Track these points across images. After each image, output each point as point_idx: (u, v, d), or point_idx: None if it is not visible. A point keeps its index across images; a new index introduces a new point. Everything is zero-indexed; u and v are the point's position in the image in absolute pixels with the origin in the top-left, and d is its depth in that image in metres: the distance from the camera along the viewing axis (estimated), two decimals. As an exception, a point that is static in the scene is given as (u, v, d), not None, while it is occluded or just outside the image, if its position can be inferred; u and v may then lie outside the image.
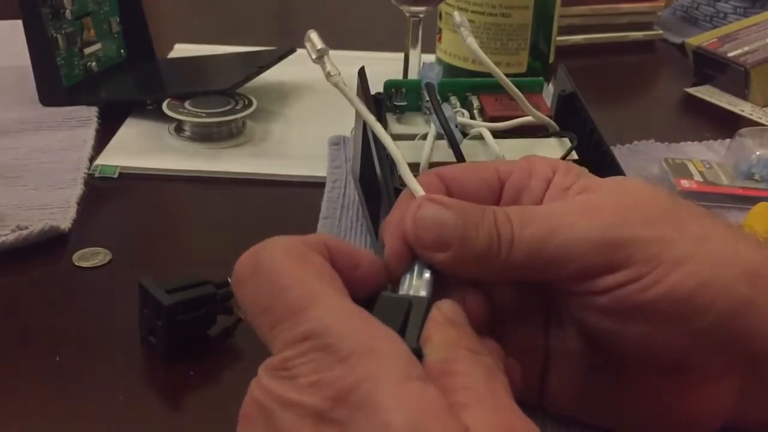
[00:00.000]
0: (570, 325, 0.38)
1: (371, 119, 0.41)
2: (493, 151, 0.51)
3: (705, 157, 0.68)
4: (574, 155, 0.52)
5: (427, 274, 0.34)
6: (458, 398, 0.28)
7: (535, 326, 0.38)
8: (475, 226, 0.34)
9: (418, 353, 0.30)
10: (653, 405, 0.37)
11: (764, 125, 0.76)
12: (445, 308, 0.33)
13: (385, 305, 0.32)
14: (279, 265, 0.32)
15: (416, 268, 0.35)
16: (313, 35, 0.41)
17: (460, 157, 0.50)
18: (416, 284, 0.34)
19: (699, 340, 0.34)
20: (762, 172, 0.63)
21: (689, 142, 0.71)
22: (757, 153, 0.64)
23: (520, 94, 0.53)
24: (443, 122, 0.51)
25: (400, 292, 0.34)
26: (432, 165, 0.50)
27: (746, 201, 0.61)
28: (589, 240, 0.34)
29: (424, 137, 0.52)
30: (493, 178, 0.38)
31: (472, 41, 0.55)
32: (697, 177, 0.64)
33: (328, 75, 0.41)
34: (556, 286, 0.36)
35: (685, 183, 0.63)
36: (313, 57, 0.41)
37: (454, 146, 0.50)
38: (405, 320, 0.32)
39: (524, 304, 0.38)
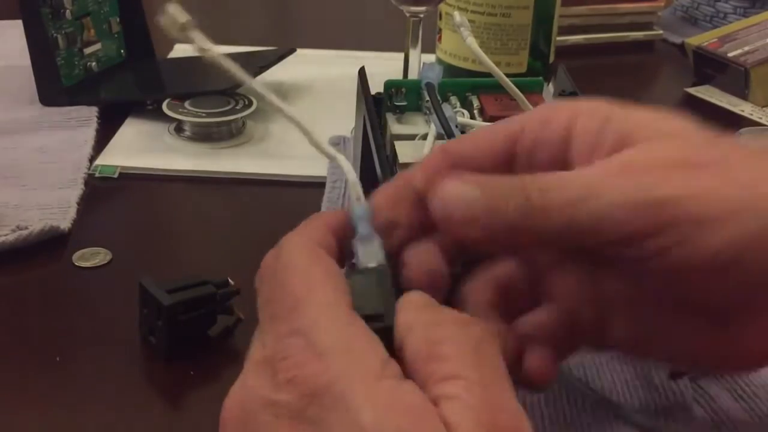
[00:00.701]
0: (619, 273, 0.36)
1: (262, 89, 0.36)
2: (493, 151, 0.51)
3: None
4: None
5: (376, 240, 0.34)
6: (446, 389, 0.28)
7: (582, 277, 0.36)
8: (503, 198, 0.32)
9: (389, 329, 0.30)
10: (707, 342, 0.36)
11: (764, 125, 0.76)
12: (416, 298, 0.32)
13: (360, 284, 0.32)
14: (291, 261, 0.32)
15: (364, 237, 0.34)
16: (172, 8, 0.34)
17: (460, 157, 0.50)
18: (369, 251, 0.34)
19: (752, 288, 0.33)
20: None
21: (689, 142, 0.71)
22: None
23: (520, 94, 0.53)
24: (443, 122, 0.51)
25: (362, 261, 0.33)
26: (432, 165, 0.50)
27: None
28: (629, 202, 0.32)
29: (424, 137, 0.52)
30: (501, 146, 0.36)
31: (472, 41, 0.55)
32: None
33: (201, 50, 0.34)
34: (598, 251, 0.33)
35: None
36: (174, 33, 0.34)
37: (454, 146, 0.50)
38: (380, 294, 0.32)
39: (568, 257, 0.36)
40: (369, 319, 0.30)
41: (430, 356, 0.29)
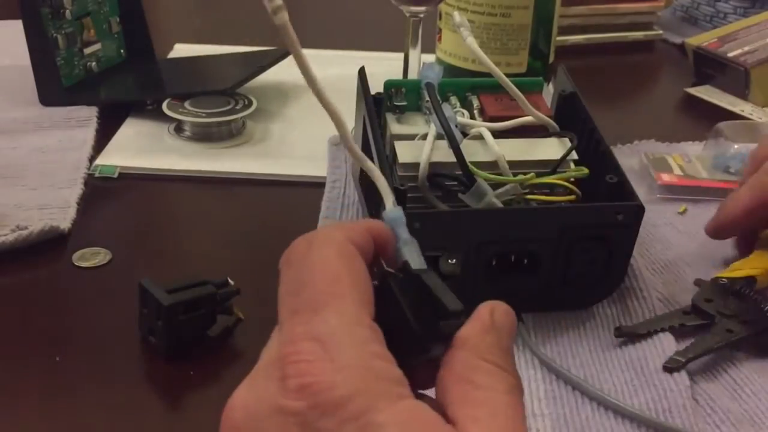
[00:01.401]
0: None
1: (311, 75, 0.33)
2: (493, 151, 0.51)
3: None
4: (574, 155, 0.52)
5: (416, 243, 0.34)
6: (473, 412, 0.28)
7: None
8: None
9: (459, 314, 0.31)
10: None
11: (747, 118, 0.77)
12: (499, 311, 0.32)
13: (436, 283, 0.32)
14: (325, 258, 0.32)
15: (409, 241, 0.34)
16: None
17: (460, 157, 0.50)
18: (415, 254, 0.34)
19: None
20: (737, 166, 0.64)
21: (689, 142, 0.71)
22: (735, 147, 0.65)
23: (520, 94, 0.53)
24: (443, 122, 0.51)
25: (413, 263, 0.34)
26: (432, 165, 0.50)
27: (726, 194, 0.60)
28: None
29: (424, 137, 0.51)
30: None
31: (472, 41, 0.55)
32: (677, 171, 0.64)
33: (275, 11, 0.33)
34: None
35: (665, 177, 0.64)
36: None
37: (454, 146, 0.50)
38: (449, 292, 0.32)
39: None
40: (452, 315, 0.31)
41: (466, 380, 0.30)
